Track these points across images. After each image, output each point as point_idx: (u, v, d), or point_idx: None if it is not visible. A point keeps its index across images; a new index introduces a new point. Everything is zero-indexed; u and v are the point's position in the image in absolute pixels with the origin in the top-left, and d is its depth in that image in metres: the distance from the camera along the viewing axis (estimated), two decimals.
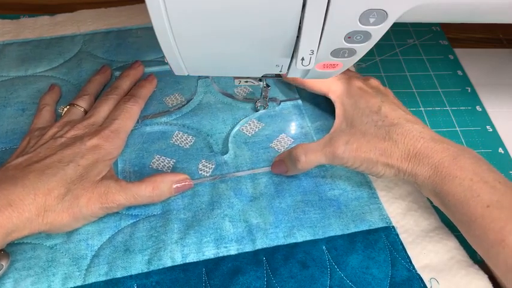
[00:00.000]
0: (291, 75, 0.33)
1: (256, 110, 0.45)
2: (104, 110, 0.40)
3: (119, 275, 0.34)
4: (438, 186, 0.33)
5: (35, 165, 0.33)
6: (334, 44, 0.28)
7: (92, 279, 0.34)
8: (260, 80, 0.39)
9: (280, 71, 0.33)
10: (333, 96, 0.41)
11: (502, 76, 0.53)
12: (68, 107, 0.41)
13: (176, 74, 0.33)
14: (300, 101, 0.46)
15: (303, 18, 0.26)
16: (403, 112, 0.37)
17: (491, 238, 0.30)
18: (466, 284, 0.33)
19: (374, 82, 0.40)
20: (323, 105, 0.46)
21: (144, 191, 0.35)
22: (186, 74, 0.33)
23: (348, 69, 0.45)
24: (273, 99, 0.46)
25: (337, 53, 0.29)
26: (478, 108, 0.50)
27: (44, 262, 0.34)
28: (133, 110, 0.40)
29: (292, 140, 0.43)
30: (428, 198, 0.38)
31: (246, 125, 0.44)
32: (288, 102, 0.46)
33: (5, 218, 0.30)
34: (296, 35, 0.27)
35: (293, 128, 0.44)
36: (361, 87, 0.39)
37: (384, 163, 0.34)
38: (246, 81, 0.38)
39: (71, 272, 0.34)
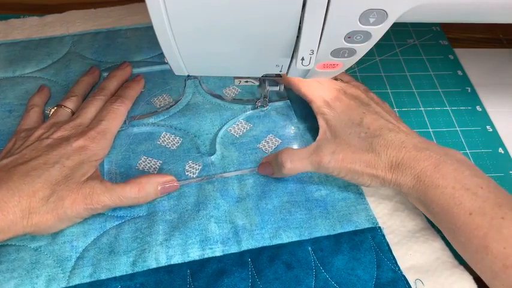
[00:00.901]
0: (291, 75, 0.33)
1: (257, 109, 0.45)
2: (90, 111, 0.40)
3: (103, 276, 0.34)
4: (422, 195, 0.33)
5: (20, 167, 0.33)
6: (334, 44, 0.28)
7: (76, 281, 0.33)
8: (260, 80, 0.39)
9: (280, 71, 0.33)
10: (314, 107, 0.41)
11: (502, 76, 0.53)
12: (55, 108, 0.41)
13: (176, 74, 0.33)
14: (288, 102, 0.46)
15: (303, 18, 0.26)
16: (385, 121, 0.36)
17: (475, 244, 0.30)
18: (451, 284, 0.33)
19: (355, 91, 0.40)
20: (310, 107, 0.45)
21: (129, 193, 0.35)
22: (186, 74, 0.33)
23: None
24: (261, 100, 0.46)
25: (337, 53, 0.29)
26: (478, 108, 0.49)
27: (28, 264, 0.34)
28: (119, 111, 0.40)
29: (280, 141, 0.43)
30: None
31: (234, 125, 0.44)
32: (277, 103, 0.46)
33: None
34: (296, 35, 0.28)
35: (281, 128, 0.44)
36: (341, 99, 0.39)
37: (369, 174, 0.35)
38: (246, 81, 0.38)
39: (55, 273, 0.34)
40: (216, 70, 0.35)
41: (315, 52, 0.28)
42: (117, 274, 0.34)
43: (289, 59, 0.31)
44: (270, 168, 0.39)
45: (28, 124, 0.40)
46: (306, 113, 0.45)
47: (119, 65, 0.46)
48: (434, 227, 0.37)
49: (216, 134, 0.43)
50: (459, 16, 0.28)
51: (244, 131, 0.44)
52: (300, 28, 0.27)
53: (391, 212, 0.38)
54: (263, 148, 0.42)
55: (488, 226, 0.30)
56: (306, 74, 0.34)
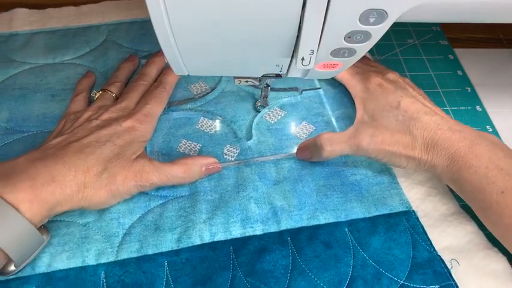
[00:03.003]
0: (291, 75, 0.34)
1: (257, 110, 0.45)
2: (135, 95, 0.41)
3: (150, 252, 0.35)
4: (455, 175, 0.34)
5: (73, 144, 0.35)
6: (334, 43, 0.28)
7: (124, 256, 0.35)
8: (260, 80, 0.39)
9: (280, 71, 0.33)
10: (352, 92, 0.42)
11: (502, 76, 0.53)
12: (100, 92, 0.42)
13: (176, 74, 0.33)
14: (321, 91, 0.48)
15: (303, 18, 0.26)
16: (421, 105, 0.38)
17: (506, 223, 0.31)
18: (486, 265, 0.34)
19: (392, 76, 0.42)
20: (343, 94, 0.47)
21: (176, 172, 0.36)
22: (186, 73, 0.33)
23: (367, 59, 0.46)
24: (294, 89, 0.47)
25: (337, 52, 0.29)
26: (478, 108, 0.49)
27: (78, 239, 0.36)
28: (162, 96, 0.41)
29: (314, 128, 0.44)
30: (446, 185, 0.39)
31: (268, 112, 0.45)
32: (310, 92, 0.47)
33: (49, 193, 0.32)
34: (296, 35, 0.27)
35: (314, 116, 0.46)
36: (380, 83, 0.40)
37: (406, 156, 0.36)
38: (246, 81, 0.38)
39: (103, 248, 0.35)
40: (216, 70, 0.35)
41: (315, 52, 0.28)
42: (163, 250, 0.35)
43: (289, 59, 0.31)
44: (308, 153, 0.40)
45: (76, 108, 0.42)
46: (338, 101, 0.47)
47: (155, 53, 0.48)
48: (466, 211, 0.38)
49: (252, 121, 0.44)
50: (459, 16, 0.29)
51: (279, 117, 0.45)
52: (300, 28, 0.26)
53: (424, 197, 0.39)
54: (297, 134, 0.44)
55: None
56: (306, 74, 0.34)
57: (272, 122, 0.45)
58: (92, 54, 0.51)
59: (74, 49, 0.51)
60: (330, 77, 0.34)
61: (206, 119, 0.44)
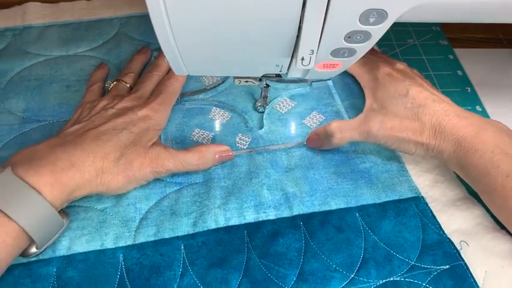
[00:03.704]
0: (291, 75, 0.34)
1: (257, 111, 0.45)
2: (148, 85, 0.42)
3: (166, 235, 0.36)
4: (462, 160, 0.35)
5: (91, 132, 0.36)
6: (334, 43, 0.28)
7: (141, 239, 0.36)
8: (260, 80, 0.39)
9: (280, 71, 0.33)
10: (361, 81, 0.43)
11: (502, 76, 0.53)
12: (114, 82, 0.43)
13: (176, 73, 0.33)
14: (330, 82, 0.49)
15: (303, 18, 0.26)
16: (429, 93, 0.39)
17: (510, 205, 0.32)
18: (494, 246, 0.35)
19: (400, 66, 0.42)
20: (352, 85, 0.48)
21: (191, 159, 0.38)
22: (186, 73, 0.33)
23: (374, 51, 0.47)
24: (304, 80, 0.48)
25: (337, 52, 0.29)
26: (478, 108, 0.49)
27: (96, 223, 0.37)
28: (175, 86, 0.42)
29: (324, 118, 0.45)
30: (454, 172, 0.40)
31: (279, 102, 0.46)
32: (319, 82, 0.48)
33: (69, 177, 0.33)
34: (296, 35, 0.27)
35: (324, 106, 0.47)
36: (389, 73, 0.41)
37: (415, 141, 0.37)
38: (246, 81, 0.38)
39: (121, 232, 0.36)
40: (216, 70, 0.35)
41: (315, 52, 0.28)
42: (180, 234, 0.36)
43: (289, 59, 0.31)
44: (318, 141, 0.41)
45: (91, 97, 0.43)
46: (347, 92, 0.48)
47: None
48: (473, 197, 0.39)
49: (263, 110, 0.45)
50: (459, 16, 0.29)
51: (290, 107, 0.46)
52: (300, 28, 0.26)
53: (432, 183, 0.40)
54: (308, 124, 0.45)
55: None
56: (306, 74, 0.34)
57: (283, 112, 0.46)
58: (104, 46, 0.52)
59: (87, 42, 0.52)
60: (330, 77, 0.34)
61: (218, 109, 0.45)
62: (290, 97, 0.47)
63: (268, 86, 0.43)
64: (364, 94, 0.43)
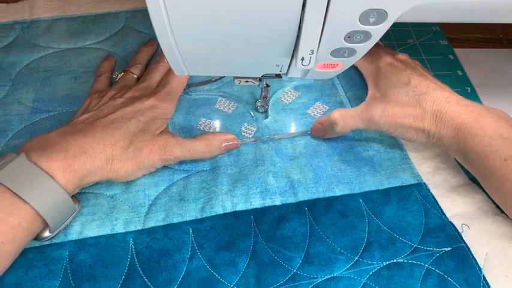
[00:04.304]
0: (291, 75, 0.34)
1: (257, 111, 0.46)
2: (155, 75, 0.43)
3: (175, 220, 0.37)
4: (461, 145, 0.36)
5: (100, 120, 0.37)
6: (334, 43, 0.28)
7: (151, 224, 0.37)
8: (260, 80, 0.39)
9: (280, 71, 0.33)
10: (364, 71, 0.44)
11: (502, 76, 0.53)
12: (122, 73, 0.44)
13: (176, 73, 0.33)
14: None
15: (303, 18, 0.26)
16: (430, 82, 0.40)
17: (507, 188, 0.33)
18: (495, 228, 0.36)
19: (402, 56, 0.43)
20: (355, 76, 0.49)
21: (198, 147, 0.38)
22: (187, 73, 0.33)
23: (378, 44, 0.48)
24: None
25: (337, 52, 0.30)
26: None
27: (107, 209, 0.38)
28: (182, 77, 0.43)
29: (328, 107, 0.46)
30: (456, 160, 0.41)
31: (283, 93, 0.47)
32: None
33: (80, 163, 0.34)
34: (296, 35, 0.27)
35: (328, 96, 0.47)
36: (391, 62, 0.42)
37: (416, 128, 0.38)
38: (246, 81, 0.38)
39: (131, 217, 0.37)
40: (216, 70, 0.35)
41: (315, 52, 0.28)
42: (188, 219, 0.37)
43: (289, 59, 0.31)
44: (322, 130, 0.42)
45: (99, 87, 0.44)
46: (350, 83, 0.48)
47: None
48: (474, 183, 0.40)
49: (268, 101, 0.46)
50: (459, 16, 0.29)
51: (294, 98, 0.47)
52: (300, 28, 0.26)
53: (434, 170, 0.41)
54: (312, 114, 0.46)
55: None
56: (306, 73, 0.34)
57: (287, 102, 0.47)
58: (111, 39, 0.53)
59: (94, 34, 0.53)
60: (330, 77, 0.35)
61: (224, 99, 0.46)
62: (294, 88, 0.48)
63: (268, 86, 0.43)
64: (366, 85, 0.44)
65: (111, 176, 0.36)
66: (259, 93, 0.45)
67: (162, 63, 0.45)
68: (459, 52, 0.56)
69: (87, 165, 0.34)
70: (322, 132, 0.42)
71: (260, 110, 0.46)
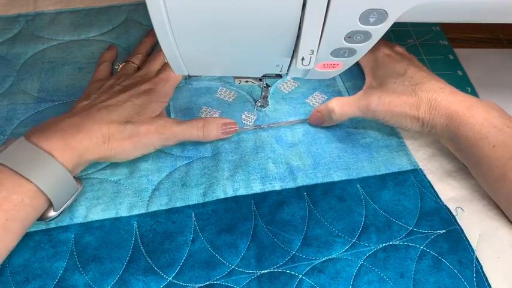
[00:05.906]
0: (291, 75, 0.34)
1: (257, 110, 0.46)
2: (155, 64, 0.44)
3: (178, 204, 0.38)
4: (453, 133, 0.37)
5: (98, 105, 0.38)
6: (334, 43, 0.29)
7: (154, 208, 0.38)
8: (260, 80, 0.39)
9: (280, 71, 0.33)
10: (362, 62, 0.45)
11: (502, 76, 0.53)
12: (123, 63, 0.45)
13: (176, 73, 0.33)
14: None
15: (303, 18, 0.26)
16: (425, 73, 0.41)
17: (495, 174, 0.35)
18: (488, 210, 0.37)
19: (399, 49, 0.44)
20: (353, 67, 0.49)
21: (195, 126, 0.40)
22: (187, 73, 0.33)
23: None
24: None
25: (337, 52, 0.30)
26: None
27: (111, 193, 0.39)
28: None
29: (326, 97, 0.47)
30: None
31: (282, 83, 0.48)
32: None
33: (77, 141, 0.35)
34: (296, 35, 0.27)
35: (326, 86, 0.48)
36: (388, 53, 0.43)
37: (411, 116, 0.39)
38: (246, 81, 0.38)
39: (135, 202, 0.38)
40: (216, 70, 0.35)
41: (315, 52, 0.28)
42: (190, 203, 0.38)
43: (289, 59, 0.31)
44: (320, 118, 0.43)
45: (100, 76, 0.45)
46: (348, 74, 0.49)
47: None
48: None
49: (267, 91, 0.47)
50: (459, 16, 0.29)
51: (293, 88, 0.48)
52: (300, 28, 0.26)
53: (430, 157, 0.42)
54: (310, 103, 0.47)
55: (508, 157, 0.34)
56: (306, 73, 0.34)
57: (286, 91, 0.48)
58: (114, 31, 0.54)
59: (97, 27, 0.54)
60: (330, 77, 0.34)
61: (225, 89, 0.47)
62: (293, 77, 0.49)
63: (268, 86, 0.44)
64: (364, 75, 0.45)
65: (109, 154, 0.37)
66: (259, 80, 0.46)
67: (161, 52, 0.46)
68: (459, 52, 0.56)
69: (84, 143, 0.35)
70: (321, 121, 0.43)
71: (260, 110, 0.46)
